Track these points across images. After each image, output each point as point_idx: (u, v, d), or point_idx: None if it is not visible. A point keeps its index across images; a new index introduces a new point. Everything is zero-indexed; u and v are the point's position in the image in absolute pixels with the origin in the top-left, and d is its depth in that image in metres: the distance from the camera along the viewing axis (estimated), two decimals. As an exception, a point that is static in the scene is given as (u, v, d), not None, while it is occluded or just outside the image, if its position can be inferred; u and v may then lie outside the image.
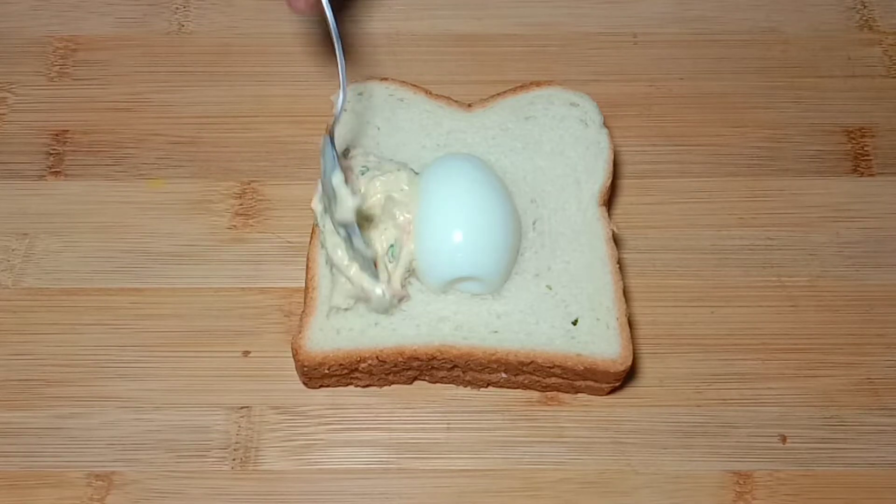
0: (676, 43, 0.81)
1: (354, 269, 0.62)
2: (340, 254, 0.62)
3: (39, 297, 0.70)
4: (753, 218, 0.73)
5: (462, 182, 0.64)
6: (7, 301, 0.69)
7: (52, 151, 0.75)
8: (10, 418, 0.65)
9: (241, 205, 0.73)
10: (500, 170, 0.68)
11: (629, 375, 0.65)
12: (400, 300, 0.64)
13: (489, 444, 0.65)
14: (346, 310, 0.64)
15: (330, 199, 0.61)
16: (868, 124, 0.77)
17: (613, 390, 0.66)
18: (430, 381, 0.67)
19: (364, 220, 0.63)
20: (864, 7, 0.83)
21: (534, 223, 0.67)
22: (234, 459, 0.64)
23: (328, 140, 0.61)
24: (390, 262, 0.63)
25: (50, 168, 0.75)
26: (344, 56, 0.60)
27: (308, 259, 0.66)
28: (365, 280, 0.62)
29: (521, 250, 0.66)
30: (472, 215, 0.63)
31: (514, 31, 0.81)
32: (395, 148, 0.70)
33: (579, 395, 0.67)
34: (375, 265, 0.63)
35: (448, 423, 0.66)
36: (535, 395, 0.67)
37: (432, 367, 0.64)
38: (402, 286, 0.63)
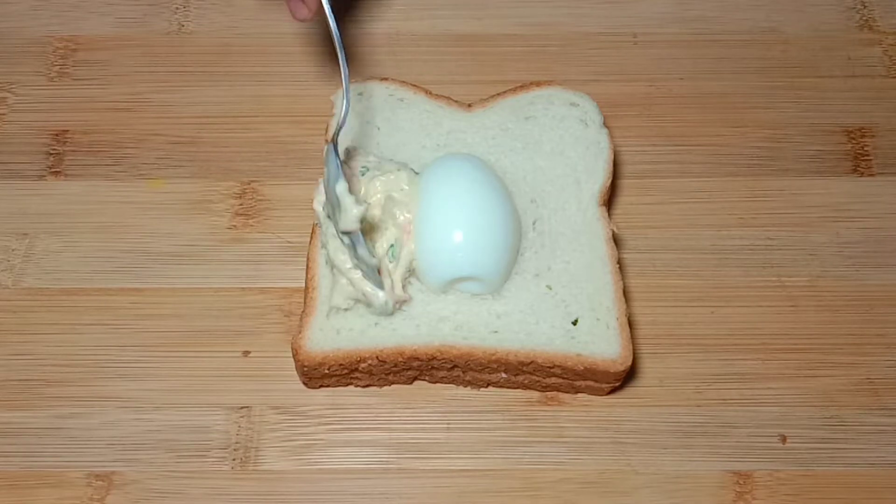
0: (676, 43, 0.81)
1: (357, 274, 0.62)
2: (342, 256, 0.62)
3: (39, 297, 0.70)
4: (753, 218, 0.73)
5: (462, 182, 0.64)
6: (7, 301, 0.69)
7: (52, 151, 0.75)
8: (10, 418, 0.65)
9: (241, 205, 0.73)
10: (500, 170, 0.68)
11: (629, 375, 0.65)
12: (401, 304, 0.64)
13: (489, 444, 0.65)
14: (345, 310, 0.64)
15: (334, 207, 0.61)
16: (868, 124, 0.77)
17: (613, 390, 0.66)
18: (430, 381, 0.67)
19: (366, 223, 0.63)
20: (864, 7, 0.83)
21: (534, 223, 0.67)
22: (234, 459, 0.64)
23: (332, 148, 0.61)
24: (390, 262, 0.63)
25: (50, 168, 0.75)
26: (347, 64, 0.60)
27: (308, 259, 0.66)
28: (367, 286, 0.62)
29: (521, 250, 0.66)
30: (472, 215, 0.63)
31: (514, 31, 0.81)
32: (395, 148, 0.70)
33: (579, 395, 0.67)
34: (379, 272, 0.62)
35: (448, 423, 0.66)
36: (535, 395, 0.67)
37: (432, 367, 0.64)
38: (404, 290, 0.63)
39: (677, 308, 0.70)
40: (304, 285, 0.66)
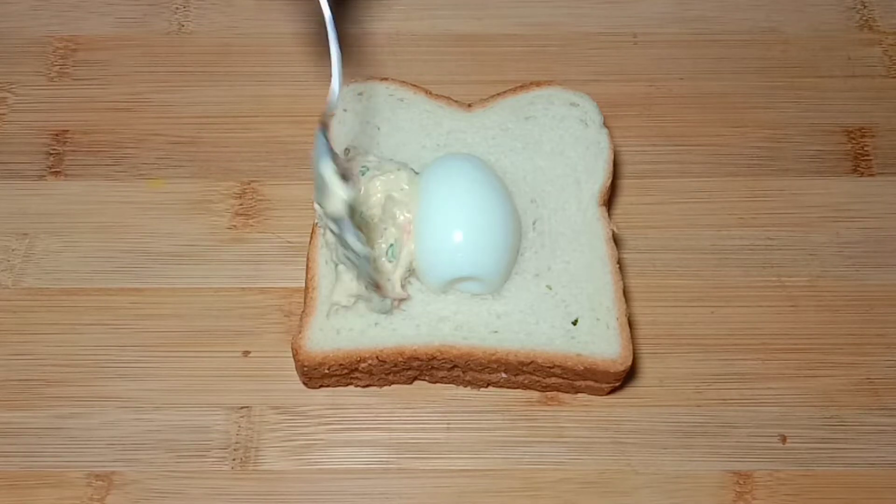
0: (676, 43, 0.81)
1: (360, 269, 0.62)
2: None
3: (39, 297, 0.70)
4: (753, 218, 0.73)
5: (462, 182, 0.64)
6: (7, 301, 0.69)
7: (52, 151, 0.75)
8: (10, 418, 0.65)
9: (241, 205, 0.73)
10: (500, 170, 0.68)
11: (629, 375, 0.65)
12: (400, 301, 0.64)
13: (489, 444, 0.65)
14: (346, 307, 0.64)
15: (321, 191, 0.59)
16: (868, 124, 0.77)
17: (613, 390, 0.66)
18: (430, 381, 0.67)
19: (362, 222, 0.62)
20: (864, 7, 0.83)
21: (534, 223, 0.67)
22: (234, 459, 0.64)
23: (320, 131, 0.59)
24: (390, 262, 0.63)
25: (50, 168, 0.75)
26: (339, 44, 0.58)
27: (308, 259, 0.66)
28: (366, 279, 0.62)
29: (521, 250, 0.66)
30: (472, 215, 0.63)
31: (514, 31, 0.81)
32: (395, 148, 0.70)
33: (579, 395, 0.67)
34: (374, 266, 0.62)
35: (448, 423, 0.66)
36: (535, 395, 0.67)
37: (432, 367, 0.64)
38: (403, 287, 0.63)
39: (677, 308, 0.70)
40: (304, 285, 0.66)
